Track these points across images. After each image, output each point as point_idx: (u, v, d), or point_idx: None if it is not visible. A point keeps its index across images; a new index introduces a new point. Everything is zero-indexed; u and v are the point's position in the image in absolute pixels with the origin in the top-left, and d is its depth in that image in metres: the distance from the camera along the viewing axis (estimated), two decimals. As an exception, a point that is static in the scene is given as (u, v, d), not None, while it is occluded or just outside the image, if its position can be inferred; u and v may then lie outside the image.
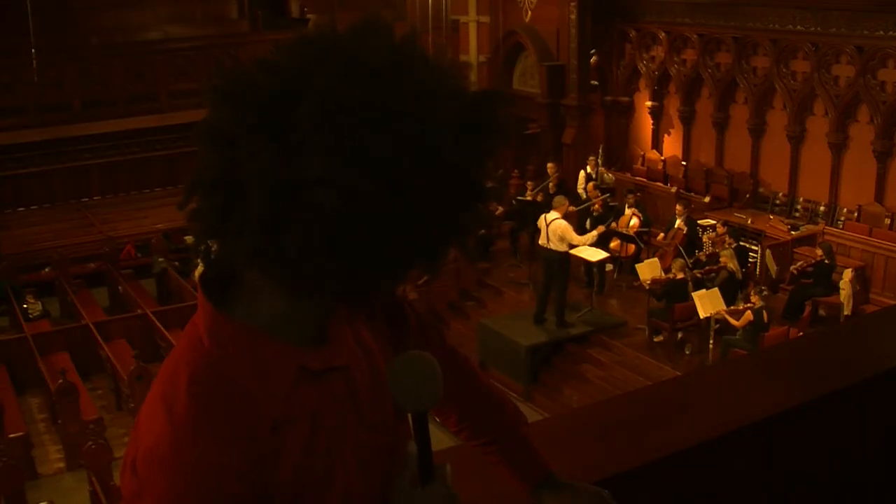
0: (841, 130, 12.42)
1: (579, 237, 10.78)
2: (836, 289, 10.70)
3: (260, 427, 0.99)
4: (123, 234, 15.04)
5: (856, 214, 12.24)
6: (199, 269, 12.15)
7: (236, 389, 0.99)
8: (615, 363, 10.71)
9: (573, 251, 10.79)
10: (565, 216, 10.68)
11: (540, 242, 10.92)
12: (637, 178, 14.96)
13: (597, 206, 12.29)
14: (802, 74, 12.85)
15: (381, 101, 0.89)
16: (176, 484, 0.94)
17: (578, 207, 12.06)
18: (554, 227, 10.53)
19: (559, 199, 10.92)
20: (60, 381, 9.58)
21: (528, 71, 16.51)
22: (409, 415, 1.09)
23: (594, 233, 11.01)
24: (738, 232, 11.87)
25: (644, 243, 12.55)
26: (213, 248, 0.99)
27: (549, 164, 13.87)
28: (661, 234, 12.35)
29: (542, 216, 10.80)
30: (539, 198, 13.14)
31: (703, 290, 10.33)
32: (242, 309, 1.02)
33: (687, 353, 10.63)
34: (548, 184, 13.36)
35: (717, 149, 14.42)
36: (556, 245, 10.59)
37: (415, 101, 0.91)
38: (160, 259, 13.73)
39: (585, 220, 12.08)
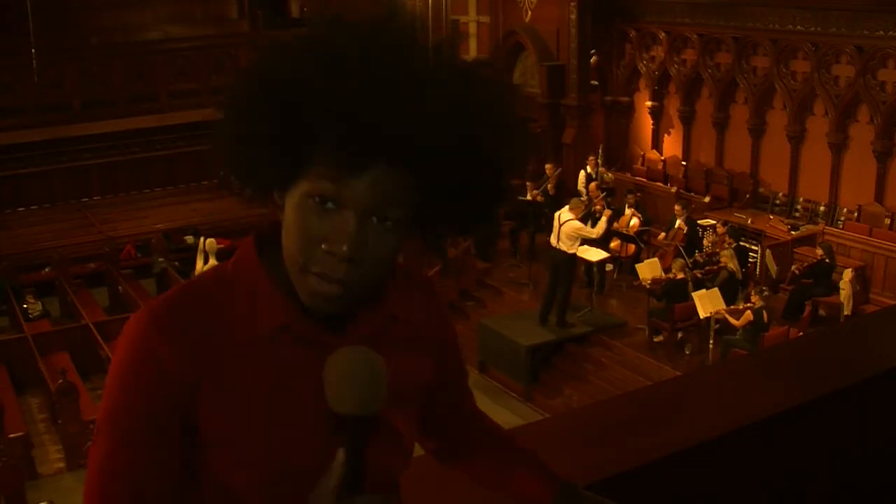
0: (841, 130, 12.42)
1: (592, 229, 10.82)
2: (836, 289, 10.70)
3: (215, 350, 1.01)
4: (123, 234, 15.03)
5: (856, 214, 12.23)
6: (199, 268, 12.18)
7: (216, 311, 1.02)
8: (615, 363, 10.70)
9: (578, 250, 10.79)
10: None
11: (550, 241, 10.92)
12: (637, 178, 14.96)
13: (599, 206, 12.28)
14: (802, 74, 12.85)
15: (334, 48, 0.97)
16: (121, 351, 1.01)
17: (581, 215, 12.01)
18: (567, 227, 10.56)
19: (576, 202, 10.92)
20: (60, 381, 9.57)
21: (528, 71, 16.49)
22: (343, 417, 0.93)
23: (603, 220, 11.07)
24: (738, 232, 11.85)
25: (644, 243, 12.55)
26: None
27: (547, 165, 13.85)
28: (662, 234, 12.35)
29: (557, 214, 10.80)
30: (539, 198, 13.14)
31: (703, 290, 10.32)
32: (272, 252, 1.06)
33: (687, 353, 10.62)
34: (547, 184, 13.36)
35: (717, 149, 14.41)
36: (565, 245, 10.61)
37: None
38: (160, 259, 13.71)
39: (587, 222, 12.05)
